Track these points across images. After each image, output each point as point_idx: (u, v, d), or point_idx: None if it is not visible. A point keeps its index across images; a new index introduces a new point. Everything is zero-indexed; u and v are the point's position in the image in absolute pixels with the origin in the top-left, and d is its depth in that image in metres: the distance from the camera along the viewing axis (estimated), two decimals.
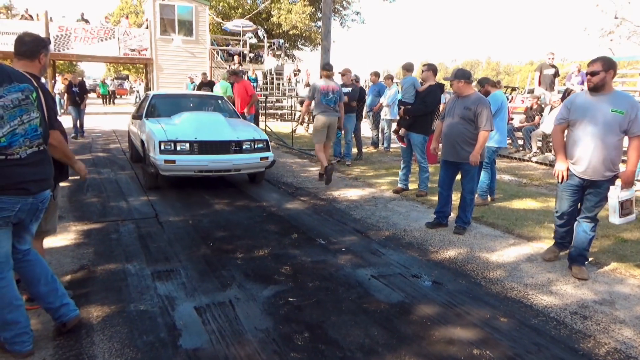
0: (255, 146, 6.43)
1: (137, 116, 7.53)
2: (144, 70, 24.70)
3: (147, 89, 22.48)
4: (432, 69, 6.43)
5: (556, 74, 11.66)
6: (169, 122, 6.59)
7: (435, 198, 5.32)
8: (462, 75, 4.72)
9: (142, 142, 6.74)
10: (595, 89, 3.59)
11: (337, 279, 3.67)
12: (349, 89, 8.64)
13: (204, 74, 13.51)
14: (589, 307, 3.31)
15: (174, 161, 5.87)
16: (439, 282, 3.69)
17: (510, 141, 11.53)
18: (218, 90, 10.85)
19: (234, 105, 9.50)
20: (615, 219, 3.61)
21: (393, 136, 10.69)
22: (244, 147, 6.31)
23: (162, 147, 5.90)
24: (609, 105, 3.51)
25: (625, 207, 3.58)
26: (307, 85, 16.73)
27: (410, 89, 6.54)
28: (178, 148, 5.94)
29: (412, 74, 6.91)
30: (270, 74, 21.45)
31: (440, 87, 6.87)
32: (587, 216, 3.77)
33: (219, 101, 8.33)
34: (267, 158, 6.50)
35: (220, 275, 3.64)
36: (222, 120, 6.86)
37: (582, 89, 8.11)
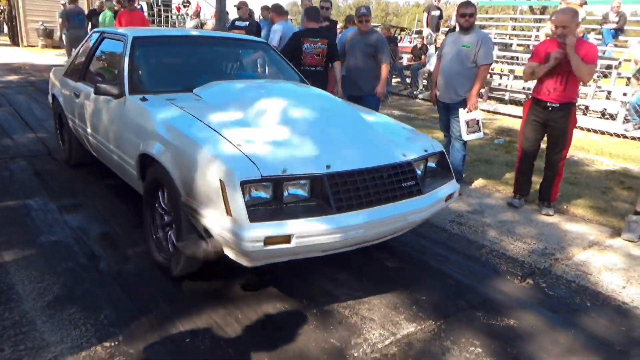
0: (428, 166, 2.93)
1: (101, 89, 3.09)
2: None
3: (11, 17, 19.74)
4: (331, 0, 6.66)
5: (441, 16, 12.44)
6: (220, 116, 2.75)
7: None
8: (369, 12, 5.01)
9: (141, 158, 2.85)
10: (467, 29, 4.22)
11: None
12: (245, 23, 8.46)
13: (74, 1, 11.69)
14: (464, 216, 3.94)
15: (288, 238, 2.17)
16: None
17: (399, 79, 12.29)
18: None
19: None
20: (464, 135, 4.30)
21: None
22: (417, 174, 2.72)
23: (249, 197, 2.21)
24: (463, 42, 4.18)
25: (470, 126, 4.27)
26: (196, 16, 15.83)
27: None
28: (286, 193, 2.31)
29: None
30: (157, 5, 19.92)
31: (334, 24, 7.12)
32: (455, 137, 4.41)
33: (265, 51, 4.21)
34: (451, 195, 2.95)
35: (133, 207, 3.67)
36: (335, 102, 3.23)
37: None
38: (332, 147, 2.50)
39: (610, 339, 2.43)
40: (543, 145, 4.06)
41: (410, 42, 17.35)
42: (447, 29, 12.65)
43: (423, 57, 11.18)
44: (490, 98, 9.97)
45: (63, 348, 2.08)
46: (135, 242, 3.09)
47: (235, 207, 2.13)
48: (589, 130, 7.53)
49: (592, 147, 6.63)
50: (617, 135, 7.22)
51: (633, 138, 7.08)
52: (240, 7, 8.38)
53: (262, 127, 2.65)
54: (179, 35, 4.06)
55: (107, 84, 3.16)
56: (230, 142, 2.38)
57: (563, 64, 3.65)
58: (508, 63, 10.96)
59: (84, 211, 3.56)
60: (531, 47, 12.42)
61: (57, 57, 13.85)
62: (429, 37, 11.88)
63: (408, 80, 11.76)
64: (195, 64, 3.86)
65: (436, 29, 12.22)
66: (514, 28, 14.73)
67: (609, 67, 9.02)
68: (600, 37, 10.87)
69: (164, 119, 2.75)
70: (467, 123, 4.20)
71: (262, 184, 2.23)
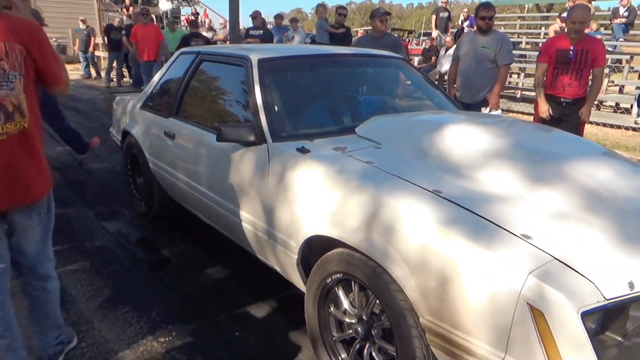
0: None
1: (229, 134, 2.25)
2: None
3: None
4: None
5: (449, 17, 12.56)
6: (447, 180, 1.78)
7: None
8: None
9: (310, 240, 1.96)
10: (486, 31, 4.26)
11: None
12: (260, 32, 8.69)
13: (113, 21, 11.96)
14: None
15: None
16: None
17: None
18: None
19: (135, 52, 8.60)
20: None
21: None
22: None
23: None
24: (482, 43, 4.26)
25: None
26: (210, 28, 16.19)
27: (322, 30, 6.90)
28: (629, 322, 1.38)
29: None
30: (167, 17, 20.28)
31: (349, 30, 7.30)
32: None
33: (404, 69, 3.37)
34: None
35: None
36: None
37: (470, 30, 9.00)
38: None
39: None
40: None
41: (417, 44, 17.45)
42: (455, 30, 12.76)
43: (433, 58, 11.27)
44: (502, 96, 10.03)
45: (121, 344, 2.21)
46: (174, 245, 3.23)
47: None
48: (604, 125, 7.57)
49: (607, 141, 6.68)
50: (634, 129, 7.26)
51: None
52: (256, 16, 8.65)
53: (540, 204, 1.63)
54: (310, 54, 3.07)
55: (234, 127, 2.35)
56: (516, 235, 1.44)
57: (578, 60, 3.83)
58: (518, 61, 11.01)
59: (120, 218, 3.70)
60: (540, 45, 12.50)
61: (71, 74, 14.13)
62: (438, 38, 11.99)
63: None
64: (336, 91, 2.99)
65: (445, 30, 12.34)
66: (520, 27, 14.79)
67: (619, 61, 9.06)
68: (610, 32, 10.91)
69: (360, 185, 1.78)
70: None
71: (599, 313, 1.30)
